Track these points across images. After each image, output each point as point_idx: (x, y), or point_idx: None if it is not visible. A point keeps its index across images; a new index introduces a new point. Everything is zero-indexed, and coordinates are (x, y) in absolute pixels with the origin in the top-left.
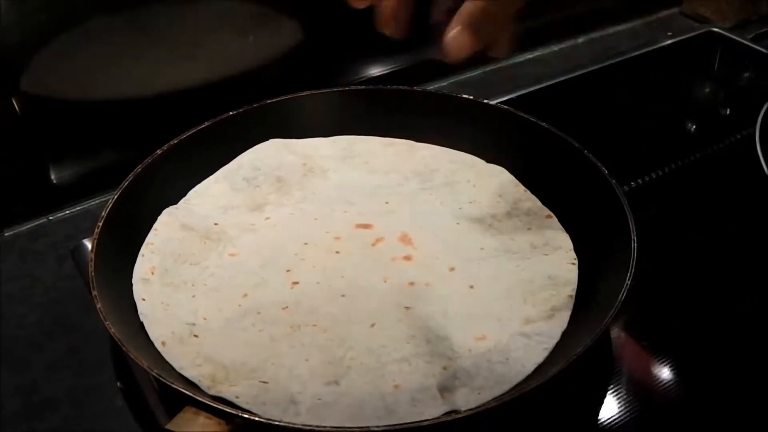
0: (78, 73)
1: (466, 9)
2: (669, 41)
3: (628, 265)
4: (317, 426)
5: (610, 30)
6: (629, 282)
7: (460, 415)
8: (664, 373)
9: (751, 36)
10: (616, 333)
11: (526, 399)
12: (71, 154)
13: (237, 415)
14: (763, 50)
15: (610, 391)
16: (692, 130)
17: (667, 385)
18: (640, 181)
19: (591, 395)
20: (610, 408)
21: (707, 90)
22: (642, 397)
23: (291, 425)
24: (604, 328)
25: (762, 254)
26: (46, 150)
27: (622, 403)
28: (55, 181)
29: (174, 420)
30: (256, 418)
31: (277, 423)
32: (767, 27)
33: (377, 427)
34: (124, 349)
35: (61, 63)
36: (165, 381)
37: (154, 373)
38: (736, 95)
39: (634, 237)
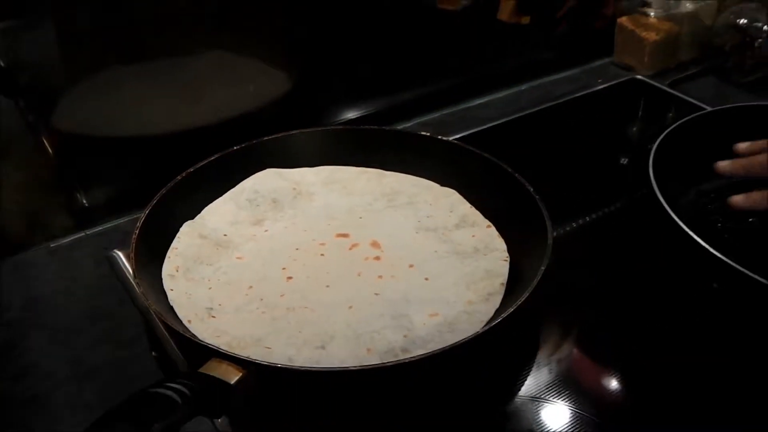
0: (102, 113)
1: None
2: (600, 87)
3: (543, 259)
4: (310, 367)
5: (550, 78)
6: (543, 270)
7: (413, 358)
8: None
9: (668, 82)
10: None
11: (459, 350)
12: (100, 181)
13: (251, 361)
14: (678, 94)
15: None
16: (619, 161)
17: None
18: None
19: (518, 366)
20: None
21: (634, 128)
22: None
23: (291, 367)
24: (519, 303)
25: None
26: (78, 178)
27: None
28: (87, 204)
29: (204, 366)
30: (265, 363)
31: (281, 366)
32: (683, 74)
33: (354, 366)
34: (162, 319)
35: (87, 105)
36: (197, 340)
37: (188, 335)
38: (657, 132)
39: (550, 241)
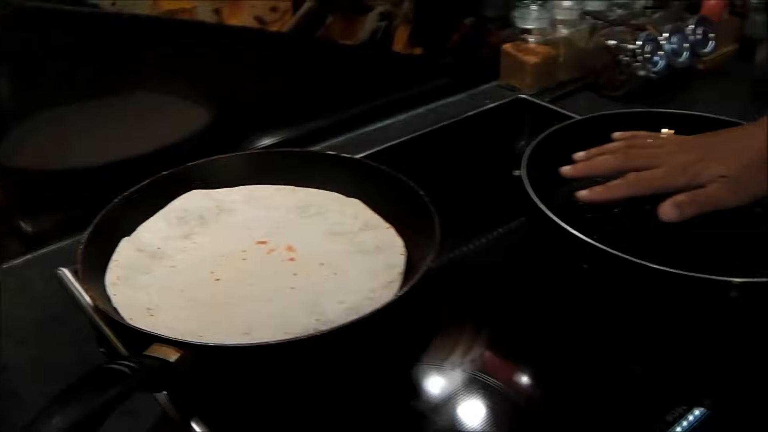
0: (45, 149)
1: None
2: (488, 106)
3: (432, 250)
4: (237, 343)
5: (444, 101)
6: (431, 257)
7: (323, 331)
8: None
9: (548, 99)
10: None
11: (360, 324)
12: (45, 209)
13: (187, 342)
14: (557, 108)
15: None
16: (511, 172)
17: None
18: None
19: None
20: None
21: (521, 141)
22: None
23: (221, 344)
24: (407, 288)
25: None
26: (23, 207)
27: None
28: (34, 230)
29: (147, 349)
30: (199, 342)
31: (212, 344)
32: (561, 91)
33: (273, 341)
34: (109, 316)
35: (30, 141)
36: (139, 329)
37: (132, 325)
38: None
39: (437, 236)
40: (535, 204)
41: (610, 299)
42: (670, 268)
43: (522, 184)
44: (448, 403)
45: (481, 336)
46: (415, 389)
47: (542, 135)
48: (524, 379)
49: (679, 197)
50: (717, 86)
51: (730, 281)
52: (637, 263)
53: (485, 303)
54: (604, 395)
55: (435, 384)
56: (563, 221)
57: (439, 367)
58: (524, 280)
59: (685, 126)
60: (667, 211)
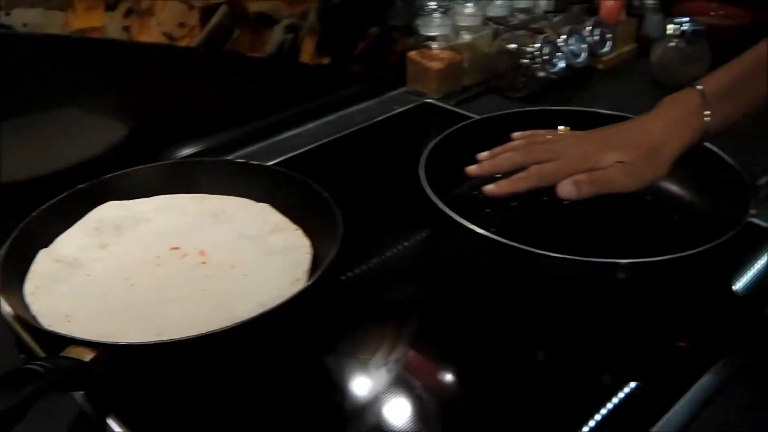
0: None
1: None
2: (396, 111)
3: (336, 247)
4: (146, 342)
5: (353, 108)
6: (334, 253)
7: (226, 327)
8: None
9: (453, 102)
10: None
11: (263, 320)
12: None
13: (101, 343)
14: (462, 111)
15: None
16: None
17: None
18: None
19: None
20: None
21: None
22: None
23: (131, 343)
24: (311, 282)
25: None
26: None
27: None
28: None
29: (63, 351)
30: (111, 342)
31: (123, 343)
32: (466, 95)
33: (180, 338)
34: (27, 322)
35: None
36: (56, 333)
37: (50, 330)
38: None
39: (339, 235)
40: (434, 203)
41: (513, 291)
42: (563, 254)
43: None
44: (369, 400)
45: (395, 334)
46: (336, 386)
47: (440, 137)
48: (442, 376)
49: (578, 176)
50: (616, 84)
51: (617, 262)
52: (531, 252)
53: (396, 302)
54: (520, 387)
55: (357, 381)
56: (463, 218)
57: (358, 363)
58: (433, 278)
59: (579, 122)
60: (565, 188)
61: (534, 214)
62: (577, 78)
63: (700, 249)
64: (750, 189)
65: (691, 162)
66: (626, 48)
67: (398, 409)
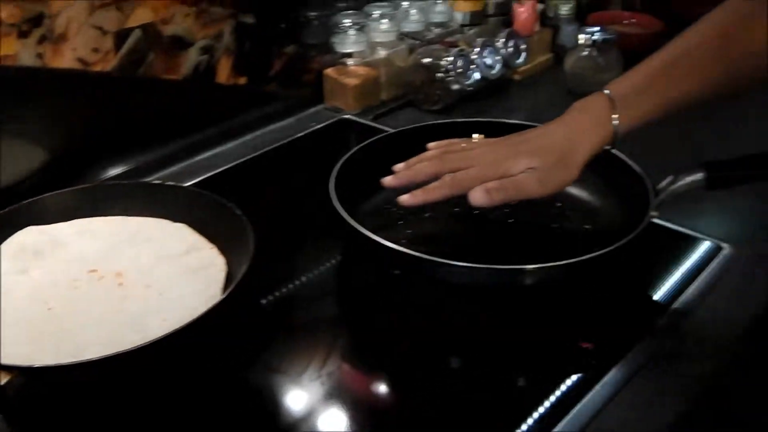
0: None
1: None
2: (314, 128)
3: (247, 263)
4: (58, 363)
5: (273, 126)
6: (245, 269)
7: (136, 347)
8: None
9: (371, 117)
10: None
11: (174, 338)
12: None
13: (15, 366)
14: (380, 126)
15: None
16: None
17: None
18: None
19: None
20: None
21: None
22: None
23: (50, 365)
24: (225, 296)
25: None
26: None
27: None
28: None
29: None
30: (25, 365)
31: (38, 366)
32: (384, 109)
33: (91, 359)
34: None
35: None
36: None
37: None
38: None
39: (251, 249)
40: (343, 217)
41: (424, 301)
42: (472, 263)
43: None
44: (300, 415)
45: (316, 348)
46: (264, 403)
47: (350, 152)
48: (369, 387)
49: (489, 183)
50: (532, 94)
51: (524, 268)
52: (438, 261)
53: (312, 318)
54: (435, 393)
55: (288, 396)
56: (373, 232)
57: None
58: (346, 293)
59: (491, 133)
60: (477, 196)
61: (447, 225)
62: (494, 89)
63: (603, 251)
64: (651, 192)
65: (596, 168)
66: (542, 58)
67: (331, 423)
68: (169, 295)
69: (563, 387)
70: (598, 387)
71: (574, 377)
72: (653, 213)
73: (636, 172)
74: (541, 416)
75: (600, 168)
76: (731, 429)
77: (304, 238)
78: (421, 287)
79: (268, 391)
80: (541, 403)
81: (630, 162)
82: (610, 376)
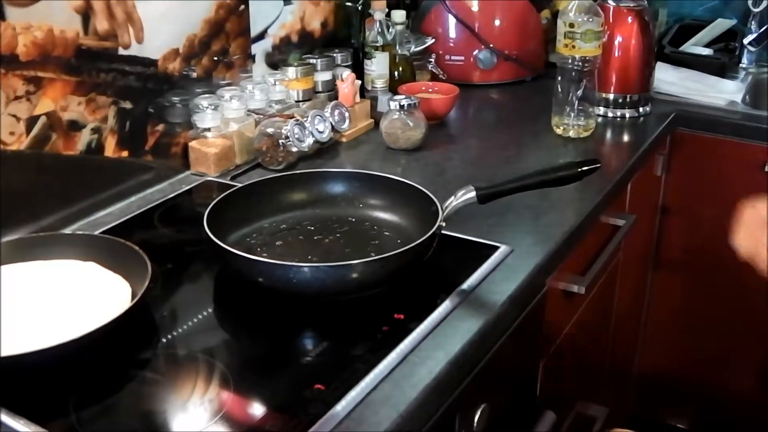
0: None
1: None
2: (185, 188)
3: (142, 290)
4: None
5: (152, 189)
6: (141, 294)
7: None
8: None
9: (229, 178)
10: None
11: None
12: None
13: None
14: (236, 183)
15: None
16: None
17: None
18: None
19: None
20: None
21: None
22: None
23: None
24: (132, 305)
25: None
26: None
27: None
28: None
29: None
30: None
31: None
32: (239, 171)
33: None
34: None
35: None
36: None
37: None
38: None
39: (149, 279)
40: (218, 245)
41: (289, 301)
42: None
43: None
44: None
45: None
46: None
47: (214, 201)
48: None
49: None
50: (356, 152)
51: (350, 263)
52: (288, 264)
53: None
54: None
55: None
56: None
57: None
58: (224, 303)
59: (314, 181)
60: None
61: (295, 249)
62: (326, 150)
63: (404, 249)
64: (440, 209)
65: (398, 197)
66: (364, 123)
67: None
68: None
69: (386, 339)
70: (413, 334)
71: (392, 333)
72: (441, 224)
73: (429, 197)
74: (371, 360)
75: (401, 196)
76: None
77: (187, 265)
78: (280, 292)
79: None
80: (374, 353)
81: (424, 189)
82: (419, 330)
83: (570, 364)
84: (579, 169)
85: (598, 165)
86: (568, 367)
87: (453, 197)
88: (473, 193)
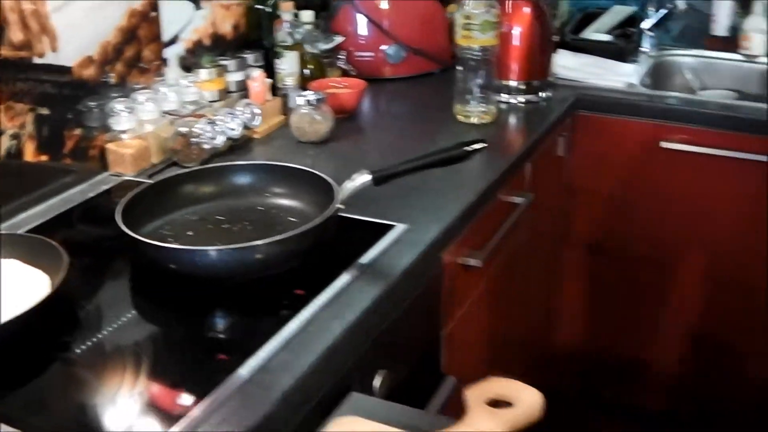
0: None
1: None
2: (104, 188)
3: (58, 282)
4: None
5: (73, 191)
6: (57, 285)
7: None
8: None
9: (147, 175)
10: None
11: None
12: None
13: None
14: (152, 181)
15: None
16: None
17: None
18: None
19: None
20: None
21: None
22: None
23: None
24: (51, 292)
25: None
26: None
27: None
28: None
29: None
30: None
31: None
32: (156, 169)
33: None
34: None
35: None
36: None
37: None
38: None
39: (64, 272)
40: (131, 236)
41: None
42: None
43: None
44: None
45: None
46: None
47: (127, 198)
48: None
49: None
50: (268, 146)
51: (255, 245)
52: (198, 249)
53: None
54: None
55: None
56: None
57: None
58: (141, 294)
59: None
60: None
61: (204, 237)
62: (240, 146)
63: (300, 230)
64: (337, 192)
65: (298, 183)
66: (276, 120)
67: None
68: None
69: (287, 313)
70: (311, 307)
71: (293, 307)
72: (339, 206)
73: (328, 182)
74: (272, 331)
75: (304, 184)
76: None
77: (105, 262)
78: (192, 277)
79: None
80: (275, 326)
81: (323, 176)
82: (317, 303)
83: (478, 336)
84: (465, 149)
85: (484, 144)
86: (476, 339)
87: (349, 181)
88: (368, 177)
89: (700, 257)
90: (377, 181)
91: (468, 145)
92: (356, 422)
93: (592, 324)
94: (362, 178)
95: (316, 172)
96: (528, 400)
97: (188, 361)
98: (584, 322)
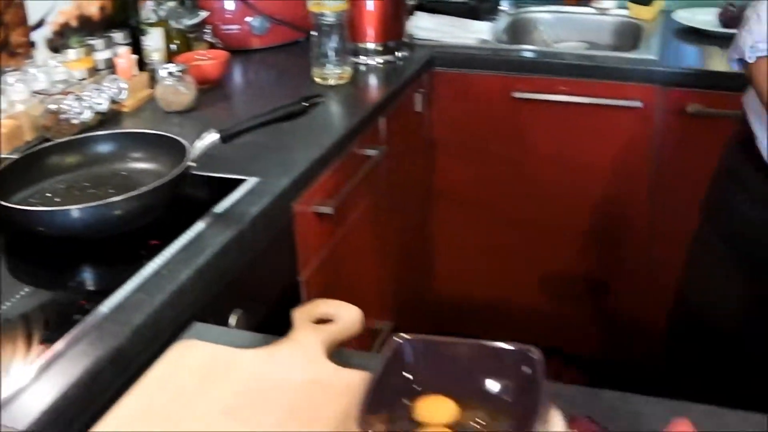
0: None
1: None
2: None
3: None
4: None
5: None
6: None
7: None
8: None
9: (20, 154)
10: None
11: None
12: None
13: None
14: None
15: None
16: None
17: None
18: None
19: None
20: None
21: None
22: None
23: None
24: None
25: None
26: None
27: None
28: None
29: None
30: None
31: None
32: (28, 147)
33: None
34: None
35: None
36: None
37: None
38: None
39: None
40: (1, 205)
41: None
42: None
43: None
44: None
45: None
46: None
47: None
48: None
49: None
50: (137, 119)
51: (112, 201)
52: (55, 210)
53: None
54: None
55: None
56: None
57: None
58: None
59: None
60: None
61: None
62: (109, 120)
63: (153, 186)
64: (187, 151)
65: (156, 146)
66: (144, 93)
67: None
68: None
69: (142, 261)
70: (165, 253)
71: (148, 255)
72: (190, 164)
73: (181, 143)
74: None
75: (160, 147)
76: (246, 268)
77: None
78: (59, 238)
79: None
80: (132, 273)
81: (176, 137)
82: (171, 249)
83: (337, 281)
84: (303, 104)
85: (321, 99)
86: (336, 284)
87: (198, 140)
88: (216, 135)
89: (569, 201)
90: (224, 138)
91: (306, 100)
92: (194, 344)
93: (469, 271)
94: (211, 137)
95: (170, 135)
96: (348, 316)
97: (55, 306)
98: (461, 270)
